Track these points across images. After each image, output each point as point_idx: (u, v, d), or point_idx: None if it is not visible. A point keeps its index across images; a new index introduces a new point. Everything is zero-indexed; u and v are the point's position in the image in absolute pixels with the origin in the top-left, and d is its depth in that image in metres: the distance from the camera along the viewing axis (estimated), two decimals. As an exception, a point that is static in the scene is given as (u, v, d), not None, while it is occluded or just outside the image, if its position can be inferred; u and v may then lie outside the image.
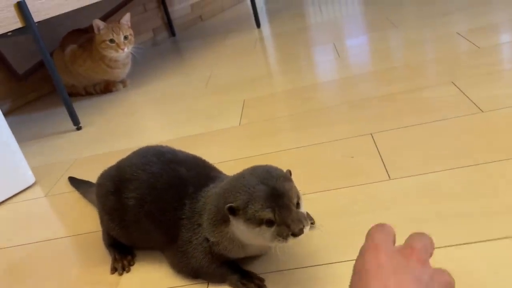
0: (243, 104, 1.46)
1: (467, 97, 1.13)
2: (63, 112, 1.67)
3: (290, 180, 0.65)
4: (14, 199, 1.20)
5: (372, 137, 1.05)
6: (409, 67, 1.45)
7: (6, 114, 1.93)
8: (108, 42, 1.87)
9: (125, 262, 0.81)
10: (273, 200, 0.60)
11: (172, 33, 2.87)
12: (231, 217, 0.64)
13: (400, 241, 0.70)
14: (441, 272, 0.45)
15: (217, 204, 0.67)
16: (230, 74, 1.84)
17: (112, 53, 1.90)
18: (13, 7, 1.40)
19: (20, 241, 0.99)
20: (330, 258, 0.71)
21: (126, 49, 1.90)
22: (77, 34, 2.03)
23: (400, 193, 0.83)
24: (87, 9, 1.81)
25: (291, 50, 1.99)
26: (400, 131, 1.05)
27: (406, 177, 0.86)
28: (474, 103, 1.09)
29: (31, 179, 1.25)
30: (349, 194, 0.86)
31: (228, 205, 0.62)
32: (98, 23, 1.86)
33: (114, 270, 0.81)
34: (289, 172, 0.67)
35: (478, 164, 0.85)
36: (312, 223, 0.78)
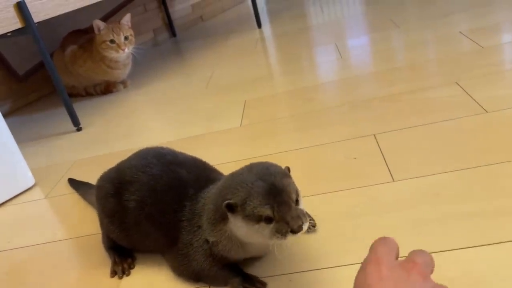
0: (244, 105, 1.45)
1: (471, 97, 1.12)
2: (63, 113, 1.66)
3: (289, 177, 0.64)
4: (14, 201, 1.19)
5: (375, 138, 1.03)
6: (412, 68, 1.44)
7: (6, 115, 1.92)
8: (108, 43, 1.86)
9: (125, 265, 0.80)
10: (272, 197, 0.60)
11: (173, 33, 2.86)
12: (229, 214, 0.63)
13: (403, 245, 0.69)
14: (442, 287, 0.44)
15: (216, 202, 0.66)
16: (231, 74, 1.83)
17: (112, 54, 1.89)
18: (12, 8, 1.40)
19: (19, 243, 0.98)
20: (332, 261, 0.70)
21: (126, 50, 1.90)
22: (77, 34, 2.03)
23: (404, 195, 0.81)
24: (87, 10, 1.80)
25: (293, 50, 1.98)
26: (403, 132, 1.04)
27: (410, 179, 0.85)
28: (478, 104, 1.07)
29: (31, 181, 1.24)
30: (352, 196, 0.85)
31: (226, 201, 0.62)
32: (98, 24, 1.85)
33: (114, 273, 0.80)
34: (288, 168, 0.66)
35: (483, 166, 0.84)
36: (313, 226, 0.77)
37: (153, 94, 1.83)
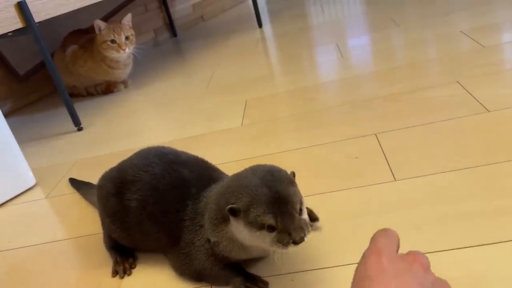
0: (245, 105, 1.44)
1: (473, 96, 1.11)
2: (64, 113, 1.66)
3: (294, 184, 0.63)
4: (15, 201, 1.19)
5: (377, 137, 1.03)
6: (413, 67, 1.44)
7: (6, 115, 1.92)
8: (109, 43, 1.86)
9: (127, 265, 0.80)
10: (276, 206, 0.59)
11: (174, 33, 2.86)
12: (231, 218, 0.63)
13: (404, 245, 0.69)
14: (442, 281, 0.44)
15: (218, 203, 0.66)
16: (232, 74, 1.83)
17: (113, 54, 1.89)
18: (13, 7, 1.39)
19: (20, 243, 0.98)
20: (334, 261, 0.70)
21: (127, 50, 1.89)
22: (78, 34, 2.03)
23: (406, 195, 0.81)
24: (88, 10, 1.80)
25: (293, 50, 1.98)
26: (405, 131, 1.04)
27: (412, 178, 0.85)
28: (480, 103, 1.07)
29: (31, 181, 1.24)
30: (353, 196, 0.85)
31: (230, 206, 0.61)
32: (99, 24, 1.85)
33: (115, 273, 0.79)
34: (293, 174, 0.66)
35: (484, 165, 0.84)
36: (317, 220, 0.77)
37: (154, 94, 1.83)
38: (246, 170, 0.66)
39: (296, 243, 0.59)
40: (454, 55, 1.44)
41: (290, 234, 0.59)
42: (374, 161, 0.94)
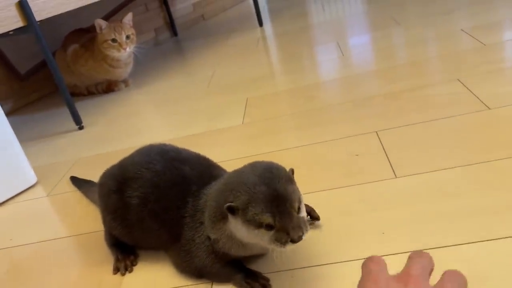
0: (246, 103, 1.44)
1: (474, 94, 1.11)
2: (65, 112, 1.66)
3: (292, 182, 0.63)
4: (16, 199, 1.19)
5: (377, 135, 1.03)
6: (414, 65, 1.44)
7: (8, 114, 1.92)
8: (110, 42, 1.86)
9: (128, 262, 0.80)
10: (274, 205, 0.59)
11: (174, 32, 2.86)
12: (230, 216, 0.63)
13: (406, 241, 0.69)
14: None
15: (217, 200, 0.66)
16: (232, 73, 1.83)
17: (114, 53, 1.89)
18: (14, 6, 1.40)
19: (22, 241, 0.98)
20: (335, 257, 0.70)
21: (128, 49, 1.90)
22: (79, 33, 2.03)
23: (407, 191, 0.81)
24: (89, 9, 1.80)
25: (294, 49, 1.98)
26: (406, 128, 1.04)
27: (413, 175, 0.85)
28: (481, 100, 1.07)
29: (33, 179, 1.24)
30: (355, 193, 0.85)
31: (228, 204, 0.61)
32: (100, 23, 1.85)
33: (116, 270, 0.80)
34: (292, 171, 0.65)
35: (486, 162, 0.84)
36: (317, 219, 0.77)
37: (154, 93, 1.83)
38: (245, 167, 0.67)
39: (294, 241, 0.59)
40: (455, 53, 1.44)
41: (288, 233, 0.59)
42: (375, 158, 0.94)
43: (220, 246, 0.68)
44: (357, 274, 0.65)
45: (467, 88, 1.15)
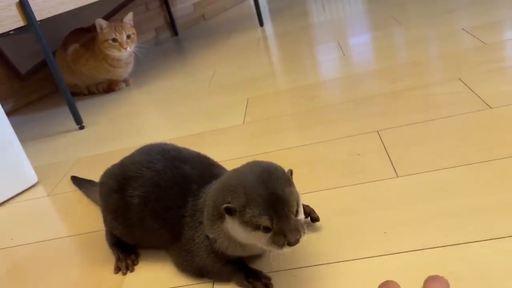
0: (247, 103, 1.44)
1: (475, 93, 1.11)
2: (65, 111, 1.66)
3: (291, 183, 0.63)
4: (17, 199, 1.19)
5: (379, 134, 1.03)
6: (415, 64, 1.43)
7: (8, 114, 1.91)
8: (110, 41, 1.86)
9: (129, 262, 0.80)
10: (272, 207, 0.59)
11: (175, 32, 2.86)
12: (227, 216, 0.63)
13: (408, 241, 0.69)
14: None
15: (215, 200, 0.66)
16: (233, 73, 1.83)
17: (114, 53, 1.89)
18: (15, 6, 1.40)
19: (22, 240, 0.98)
20: (336, 256, 0.70)
21: (128, 49, 1.90)
22: (79, 33, 2.03)
23: (408, 191, 0.81)
24: (90, 8, 1.80)
25: (295, 48, 1.98)
26: (407, 128, 1.03)
27: (414, 174, 0.85)
28: (482, 100, 1.07)
29: (33, 179, 1.24)
30: (356, 192, 0.85)
31: (225, 205, 0.61)
32: (100, 22, 1.85)
33: (117, 269, 0.79)
34: (290, 172, 0.65)
35: (487, 161, 0.84)
36: (317, 220, 0.77)
37: (155, 92, 1.83)
38: (243, 167, 0.66)
39: (291, 244, 0.59)
40: (456, 53, 1.44)
41: (285, 236, 0.58)
42: (376, 157, 0.94)
43: (218, 246, 0.67)
44: (359, 273, 0.65)
45: (469, 88, 1.15)
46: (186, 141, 1.26)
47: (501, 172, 0.80)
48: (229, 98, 1.54)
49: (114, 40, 1.86)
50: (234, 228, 0.63)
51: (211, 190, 0.69)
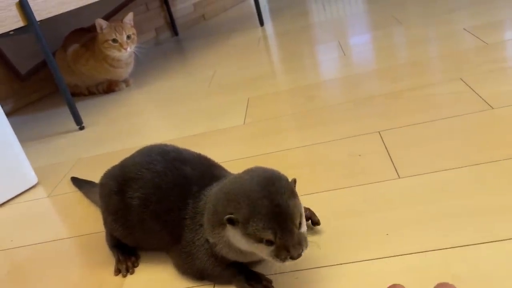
0: (247, 103, 1.44)
1: (477, 93, 1.11)
2: (65, 112, 1.66)
3: (295, 195, 0.62)
4: (17, 200, 1.18)
5: (380, 135, 1.03)
6: (416, 64, 1.43)
7: (8, 114, 1.91)
8: (111, 42, 1.86)
9: (129, 264, 0.79)
10: (276, 221, 0.58)
11: (175, 32, 2.85)
12: (229, 226, 0.62)
13: (410, 243, 0.68)
14: None
15: (216, 206, 0.65)
16: (233, 73, 1.82)
17: (115, 53, 1.88)
18: (14, 6, 1.39)
19: (22, 242, 0.98)
20: (338, 259, 0.69)
21: (129, 49, 1.89)
22: (79, 33, 2.02)
23: (410, 192, 0.81)
24: (90, 8, 1.80)
25: (295, 48, 1.97)
26: (408, 128, 1.03)
27: (416, 176, 0.84)
28: (484, 100, 1.07)
29: (33, 180, 1.23)
30: (357, 193, 0.85)
31: (228, 216, 0.60)
32: (101, 23, 1.85)
33: (117, 271, 0.79)
34: (294, 181, 0.64)
35: (489, 162, 0.83)
36: (318, 224, 0.77)
37: (155, 93, 1.83)
38: (246, 173, 0.65)
39: (293, 258, 0.58)
40: (457, 53, 1.43)
41: (288, 251, 0.58)
42: (378, 158, 0.94)
43: (218, 250, 0.67)
44: (361, 276, 0.65)
45: (470, 88, 1.15)
46: (186, 141, 1.26)
47: (503, 173, 0.79)
48: (230, 98, 1.54)
49: (114, 40, 1.86)
50: (236, 238, 0.62)
51: (212, 193, 0.69)
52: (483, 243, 0.65)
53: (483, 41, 1.47)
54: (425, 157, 0.90)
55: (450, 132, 0.98)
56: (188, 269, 0.72)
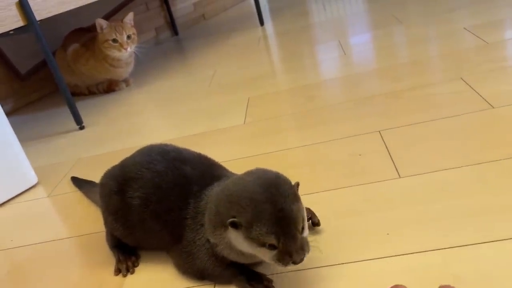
0: (247, 103, 1.44)
1: (477, 93, 1.11)
2: (65, 111, 1.66)
3: (298, 199, 0.62)
4: (17, 199, 1.18)
5: (380, 134, 1.03)
6: (417, 64, 1.43)
7: (8, 114, 1.91)
8: (111, 42, 1.86)
9: (129, 263, 0.79)
10: (279, 226, 0.58)
11: (175, 32, 2.85)
12: (231, 228, 0.61)
13: (410, 242, 0.68)
14: None
15: (218, 207, 0.64)
16: (233, 72, 1.82)
17: (115, 53, 1.88)
18: (14, 5, 1.39)
19: (22, 242, 0.98)
20: (338, 258, 0.69)
21: (129, 49, 1.89)
22: (79, 33, 2.02)
23: (411, 191, 0.81)
24: (90, 8, 1.80)
25: (295, 48, 1.97)
26: (409, 128, 1.03)
27: (417, 175, 0.84)
28: (484, 99, 1.06)
29: (33, 179, 1.23)
30: (358, 193, 0.84)
31: (231, 220, 0.60)
32: (101, 22, 1.85)
33: (118, 271, 0.79)
34: (297, 185, 0.63)
35: (490, 161, 0.83)
36: (318, 225, 0.76)
37: (155, 92, 1.83)
38: (249, 175, 0.64)
39: (295, 263, 0.59)
40: (457, 52, 1.43)
41: (291, 256, 0.58)
42: (378, 158, 0.94)
43: (219, 251, 0.67)
44: (361, 276, 0.65)
45: (470, 87, 1.15)
46: (186, 141, 1.26)
47: (504, 173, 0.79)
48: (230, 98, 1.54)
49: (115, 40, 1.85)
50: (238, 241, 0.62)
51: (214, 193, 0.68)
52: (483, 243, 0.65)
53: (483, 40, 1.46)
54: (426, 157, 0.90)
55: (451, 131, 0.97)
56: (188, 269, 0.72)
